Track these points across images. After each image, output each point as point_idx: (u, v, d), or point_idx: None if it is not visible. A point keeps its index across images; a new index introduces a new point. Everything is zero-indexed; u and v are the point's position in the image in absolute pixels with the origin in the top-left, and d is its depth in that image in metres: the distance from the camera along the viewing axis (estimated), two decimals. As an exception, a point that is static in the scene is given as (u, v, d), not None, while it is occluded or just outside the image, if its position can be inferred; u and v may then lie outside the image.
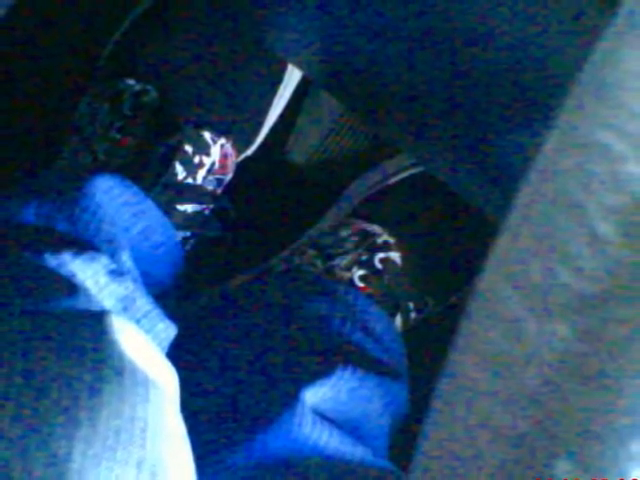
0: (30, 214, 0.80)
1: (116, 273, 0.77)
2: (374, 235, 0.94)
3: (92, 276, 0.75)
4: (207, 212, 0.92)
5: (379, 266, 0.93)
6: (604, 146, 0.29)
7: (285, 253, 0.97)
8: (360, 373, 0.83)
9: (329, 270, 0.92)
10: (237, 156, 0.96)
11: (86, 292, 0.72)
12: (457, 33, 0.63)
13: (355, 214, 0.98)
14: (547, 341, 0.29)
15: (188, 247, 0.92)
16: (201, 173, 0.90)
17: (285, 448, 0.78)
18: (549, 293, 0.29)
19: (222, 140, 0.92)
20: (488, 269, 0.31)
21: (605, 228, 0.29)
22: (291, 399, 0.79)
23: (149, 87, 0.91)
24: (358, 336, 0.87)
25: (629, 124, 0.29)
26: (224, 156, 0.93)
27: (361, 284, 0.92)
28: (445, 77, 0.68)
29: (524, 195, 0.31)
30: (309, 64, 0.84)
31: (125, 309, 0.77)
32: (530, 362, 0.29)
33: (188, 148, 0.89)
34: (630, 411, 0.28)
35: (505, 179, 0.73)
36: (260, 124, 0.97)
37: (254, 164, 0.99)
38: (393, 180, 0.98)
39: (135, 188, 0.85)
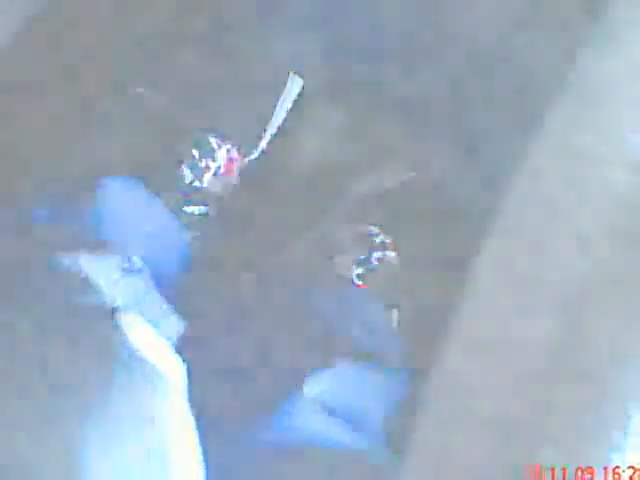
0: (46, 215, 0.80)
1: (127, 271, 0.77)
2: (372, 235, 0.95)
3: (105, 273, 0.75)
4: (213, 214, 0.92)
5: (376, 264, 0.93)
6: (590, 151, 0.29)
7: (287, 252, 0.97)
8: (358, 365, 0.83)
9: (329, 268, 0.92)
10: (242, 160, 0.96)
11: (99, 288, 0.72)
12: (451, 46, 0.63)
13: (354, 215, 0.98)
14: (534, 335, 0.29)
15: (195, 247, 0.92)
16: (207, 176, 0.90)
17: (287, 435, 0.78)
18: (536, 290, 0.29)
19: (227, 145, 0.92)
20: (479, 267, 0.31)
21: (590, 229, 0.29)
22: (293, 389, 0.79)
23: (159, 95, 0.91)
24: (357, 330, 0.87)
25: (614, 130, 0.29)
26: (229, 160, 0.93)
27: (359, 281, 0.92)
28: (440, 88, 0.68)
29: (513, 198, 0.31)
30: (310, 74, 0.84)
31: (136, 305, 0.77)
32: (518, 356, 0.29)
33: (195, 153, 0.89)
34: (612, 402, 0.28)
35: (495, 183, 0.73)
36: (264, 130, 0.97)
37: (258, 168, 0.99)
38: (390, 184, 0.98)
39: (145, 191, 0.85)
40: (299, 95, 0.99)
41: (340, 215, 0.99)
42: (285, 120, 0.99)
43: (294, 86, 0.97)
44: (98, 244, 0.78)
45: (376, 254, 0.93)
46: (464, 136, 0.72)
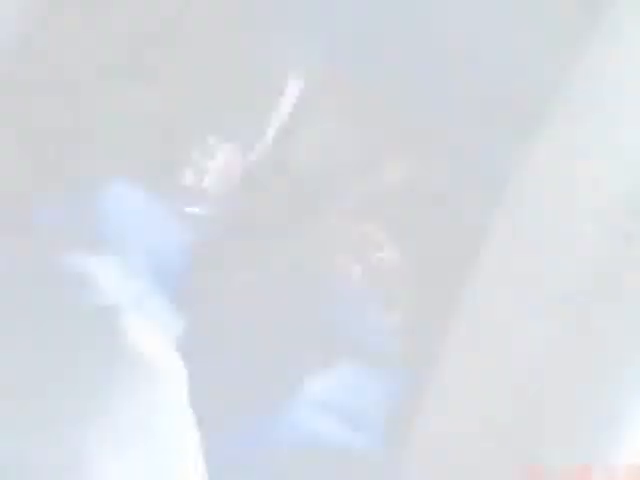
0: (48, 216, 0.80)
1: (129, 271, 0.77)
2: (372, 235, 0.94)
3: (107, 274, 0.75)
4: (213, 214, 0.92)
5: (376, 264, 0.93)
6: (587, 151, 0.29)
7: (287, 251, 0.97)
8: (358, 365, 0.83)
9: (329, 267, 0.92)
10: (242, 160, 0.95)
11: (101, 289, 0.72)
12: (452, 46, 0.63)
13: (354, 215, 0.98)
14: (533, 336, 0.29)
15: (196, 247, 0.92)
16: (208, 177, 0.90)
17: (289, 434, 0.78)
18: (535, 292, 0.29)
19: (228, 145, 0.92)
20: (478, 269, 0.31)
21: (590, 229, 0.29)
22: (294, 389, 0.79)
23: (159, 96, 0.91)
24: (357, 330, 0.87)
25: (615, 130, 0.29)
26: (229, 161, 0.92)
27: (359, 281, 0.92)
28: (440, 88, 0.68)
29: (512, 199, 0.31)
30: (311, 74, 0.84)
31: (137, 305, 0.77)
32: (518, 356, 0.29)
33: (195, 153, 0.89)
34: (613, 401, 0.28)
35: (495, 183, 0.73)
36: (264, 130, 0.96)
37: (258, 168, 0.99)
38: (390, 183, 0.98)
39: (146, 192, 0.85)
40: (299, 95, 0.98)
41: (340, 215, 0.99)
42: (285, 120, 0.99)
43: (294, 86, 0.97)
44: (98, 244, 0.78)
45: (376, 254, 0.93)
46: (464, 136, 0.72)
